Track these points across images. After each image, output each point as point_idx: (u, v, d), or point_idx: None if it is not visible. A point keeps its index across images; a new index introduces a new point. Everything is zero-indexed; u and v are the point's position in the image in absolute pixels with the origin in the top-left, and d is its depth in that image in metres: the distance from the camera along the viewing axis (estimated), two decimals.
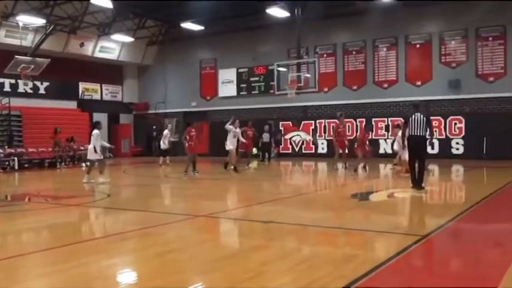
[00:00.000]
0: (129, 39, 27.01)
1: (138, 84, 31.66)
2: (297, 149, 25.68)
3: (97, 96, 29.30)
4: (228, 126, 16.15)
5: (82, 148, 21.19)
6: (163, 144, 20.16)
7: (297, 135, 25.66)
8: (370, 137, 18.70)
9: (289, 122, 25.83)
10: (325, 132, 24.50)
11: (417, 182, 10.28)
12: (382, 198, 9.74)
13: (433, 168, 16.30)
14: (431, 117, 11.00)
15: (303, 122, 25.48)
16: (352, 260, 4.89)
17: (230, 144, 16.05)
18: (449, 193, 10.90)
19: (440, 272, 4.63)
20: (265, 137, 22.53)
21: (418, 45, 22.87)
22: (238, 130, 16.50)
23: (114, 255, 5.43)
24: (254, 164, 19.31)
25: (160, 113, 30.05)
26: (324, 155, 23.88)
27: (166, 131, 20.75)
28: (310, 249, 5.64)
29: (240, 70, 27.47)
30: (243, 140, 17.20)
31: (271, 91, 24.43)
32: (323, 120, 24.65)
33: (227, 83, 27.95)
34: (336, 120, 18.00)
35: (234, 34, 26.66)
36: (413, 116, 10.20)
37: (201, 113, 28.65)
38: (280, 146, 25.72)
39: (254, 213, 8.23)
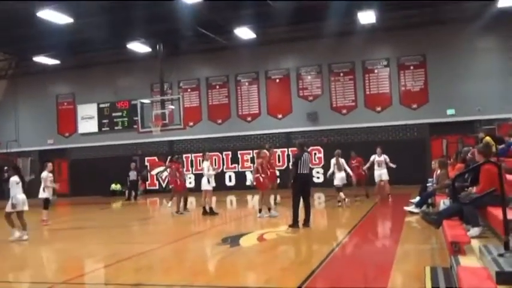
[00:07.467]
0: None
1: None
2: (164, 185, 25.20)
3: None
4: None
5: None
6: (44, 192, 13.78)
7: (164, 170, 25.22)
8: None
9: (155, 158, 25.34)
10: (192, 167, 24.39)
11: (305, 221, 10.90)
12: (252, 242, 9.77)
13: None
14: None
15: (169, 157, 25.15)
16: None
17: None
18: (317, 231, 11.29)
19: None
20: (132, 174, 21.77)
21: (277, 80, 23.93)
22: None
23: None
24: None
25: (12, 152, 27.65)
26: (191, 189, 23.66)
27: (45, 173, 13.83)
28: None
29: (102, 105, 26.39)
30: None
31: (135, 126, 23.81)
32: (189, 155, 24.56)
33: (87, 118, 26.63)
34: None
35: (93, 68, 25.68)
36: (303, 157, 11.06)
37: (59, 150, 26.96)
38: (147, 182, 25.07)
39: (122, 272, 7.75)
